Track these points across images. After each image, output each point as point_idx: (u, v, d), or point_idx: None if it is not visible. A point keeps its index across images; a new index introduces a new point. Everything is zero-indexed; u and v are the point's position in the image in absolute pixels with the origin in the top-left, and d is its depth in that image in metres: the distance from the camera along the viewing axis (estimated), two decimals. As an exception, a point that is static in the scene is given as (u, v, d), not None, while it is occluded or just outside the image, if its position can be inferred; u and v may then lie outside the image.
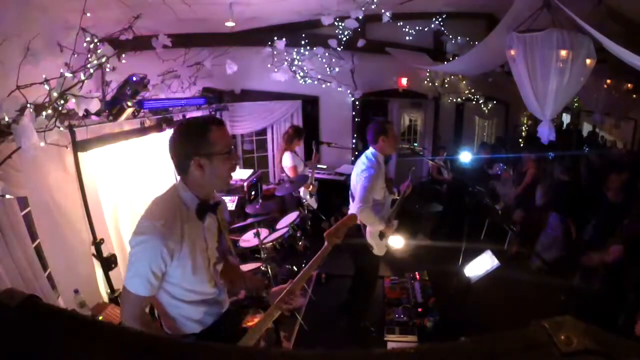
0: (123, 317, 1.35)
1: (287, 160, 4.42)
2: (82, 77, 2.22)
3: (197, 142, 1.33)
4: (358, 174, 2.83)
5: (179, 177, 1.42)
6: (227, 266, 1.65)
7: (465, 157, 5.06)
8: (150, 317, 1.46)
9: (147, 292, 1.29)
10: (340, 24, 4.76)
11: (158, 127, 3.58)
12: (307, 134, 4.80)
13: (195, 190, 1.40)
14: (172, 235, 1.29)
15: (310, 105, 6.10)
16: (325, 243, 1.49)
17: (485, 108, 7.84)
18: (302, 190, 4.36)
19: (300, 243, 4.04)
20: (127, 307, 1.33)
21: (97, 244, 2.68)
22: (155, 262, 1.27)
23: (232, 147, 1.41)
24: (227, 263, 1.66)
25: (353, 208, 2.86)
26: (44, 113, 2.02)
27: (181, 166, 1.37)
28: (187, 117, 4.31)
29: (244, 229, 4.10)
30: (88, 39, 2.48)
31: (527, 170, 5.14)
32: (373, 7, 4.17)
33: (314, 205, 4.54)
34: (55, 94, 2.06)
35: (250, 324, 1.53)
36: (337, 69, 5.61)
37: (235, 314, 1.57)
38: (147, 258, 1.27)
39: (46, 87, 2.03)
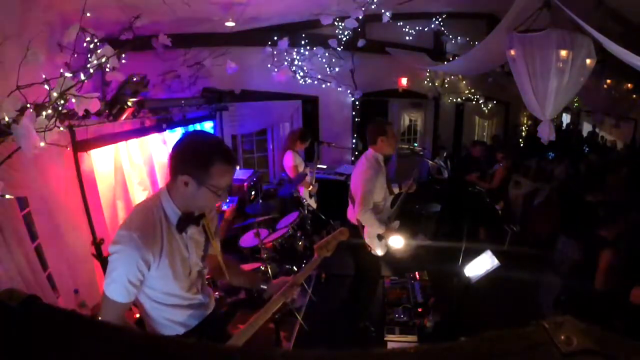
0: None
1: (288, 159, 4.42)
2: (82, 77, 2.22)
3: (197, 165, 1.30)
4: (358, 176, 2.83)
5: (164, 182, 1.42)
6: (227, 262, 1.65)
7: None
8: (128, 321, 1.48)
9: (124, 299, 1.28)
10: (340, 24, 4.77)
11: (158, 127, 3.58)
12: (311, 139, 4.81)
13: (177, 202, 1.37)
14: (149, 246, 1.28)
15: (310, 105, 6.10)
16: (315, 255, 1.56)
17: (485, 108, 7.85)
18: (302, 190, 4.36)
19: (300, 243, 4.04)
20: (106, 312, 1.32)
21: (97, 244, 2.68)
22: (131, 272, 1.27)
23: (227, 189, 1.38)
24: (227, 260, 1.66)
25: (353, 211, 2.86)
26: (44, 113, 2.02)
27: (172, 172, 1.35)
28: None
29: (244, 229, 4.10)
30: (88, 39, 2.48)
31: (495, 171, 5.17)
32: (373, 7, 4.17)
33: (314, 205, 4.54)
34: (55, 94, 2.05)
35: (235, 330, 1.51)
36: (337, 69, 5.62)
37: (221, 317, 1.56)
38: (123, 267, 1.26)
39: (46, 87, 2.03)
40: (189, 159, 1.32)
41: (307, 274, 1.56)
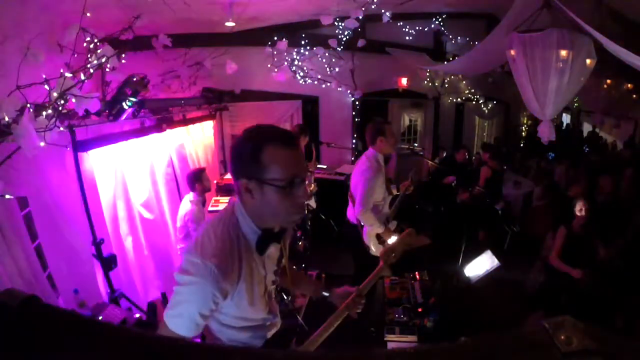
0: None
1: None
2: (82, 77, 2.22)
3: (248, 159, 1.05)
4: (358, 176, 2.84)
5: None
6: (291, 272, 1.56)
7: (461, 156, 5.07)
8: None
9: (191, 333, 1.08)
10: (340, 24, 4.76)
11: (158, 127, 3.58)
12: (310, 133, 4.79)
13: (254, 218, 1.13)
14: (227, 276, 1.07)
15: (310, 105, 6.10)
16: (380, 262, 1.53)
17: (485, 108, 7.84)
18: None
19: (300, 243, 4.04)
20: None
21: (97, 244, 2.68)
22: (204, 306, 1.06)
23: (297, 177, 1.07)
24: (291, 270, 1.57)
25: (352, 211, 2.86)
26: (44, 113, 2.02)
27: (235, 184, 1.11)
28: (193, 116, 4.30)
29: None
30: (88, 39, 2.48)
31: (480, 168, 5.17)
32: (373, 7, 4.16)
33: (314, 205, 4.54)
34: (55, 94, 2.05)
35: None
36: (337, 69, 5.61)
37: (285, 336, 1.47)
38: (195, 301, 1.06)
39: (46, 87, 2.03)
40: (239, 157, 1.08)
41: (372, 284, 1.46)
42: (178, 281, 1.07)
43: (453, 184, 5.25)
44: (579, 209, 3.19)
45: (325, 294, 1.60)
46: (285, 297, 3.30)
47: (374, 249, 2.91)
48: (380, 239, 2.87)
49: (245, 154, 1.06)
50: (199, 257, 1.05)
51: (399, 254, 1.48)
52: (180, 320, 1.07)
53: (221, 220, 1.16)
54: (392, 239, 2.89)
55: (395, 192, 3.10)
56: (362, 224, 2.83)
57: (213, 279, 1.03)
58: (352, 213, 2.97)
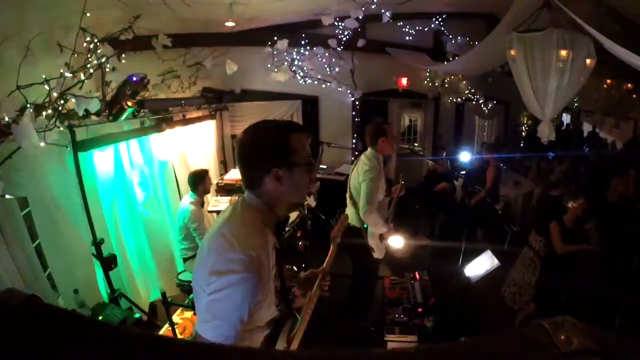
0: None
1: None
2: (82, 77, 2.22)
3: (276, 150, 1.13)
4: (360, 176, 2.83)
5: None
6: None
7: (465, 157, 5.05)
8: None
9: (236, 340, 1.03)
10: (340, 24, 4.76)
11: (158, 127, 3.58)
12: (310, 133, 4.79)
13: (271, 206, 1.19)
14: (265, 264, 1.06)
15: (310, 105, 6.10)
16: (332, 245, 1.68)
17: (485, 108, 7.84)
18: None
19: (300, 243, 4.04)
20: None
21: (97, 244, 2.68)
22: (251, 303, 1.03)
23: (312, 158, 1.21)
24: None
25: (353, 212, 2.86)
26: (44, 113, 2.02)
27: (254, 179, 1.16)
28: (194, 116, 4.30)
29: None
30: (88, 39, 2.48)
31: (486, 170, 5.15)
32: (373, 7, 4.17)
33: (313, 204, 4.54)
34: (55, 94, 2.06)
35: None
36: (337, 69, 5.61)
37: (283, 322, 1.47)
38: (244, 300, 1.02)
39: (46, 87, 2.03)
40: (267, 152, 1.14)
41: (332, 262, 1.60)
42: (217, 287, 1.01)
43: (446, 190, 5.25)
44: (571, 203, 3.19)
45: (293, 284, 1.69)
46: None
47: (376, 250, 2.91)
48: (382, 239, 2.87)
49: (271, 145, 1.14)
50: (240, 252, 1.03)
51: (341, 234, 1.70)
52: (226, 328, 1.02)
53: (244, 214, 1.16)
54: (392, 238, 2.89)
55: (391, 194, 3.11)
56: (366, 224, 2.82)
57: (258, 270, 1.03)
58: (351, 214, 2.97)
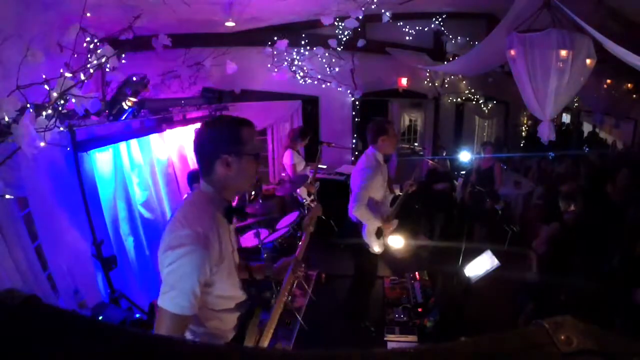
0: None
1: (288, 158, 4.42)
2: (82, 77, 2.22)
3: (228, 139, 1.29)
4: (357, 173, 2.84)
5: (201, 181, 1.37)
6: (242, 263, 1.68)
7: (465, 156, 5.05)
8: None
9: (190, 310, 1.15)
10: (340, 24, 4.77)
11: (158, 127, 3.58)
12: (311, 134, 4.80)
13: (220, 192, 1.34)
14: (214, 241, 1.20)
15: (310, 105, 6.10)
16: (305, 233, 1.78)
17: (485, 108, 7.84)
18: (299, 190, 4.36)
19: (300, 243, 4.04)
20: (167, 329, 1.14)
21: (97, 244, 2.68)
22: (202, 274, 1.16)
23: (261, 152, 1.36)
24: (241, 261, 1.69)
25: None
26: (44, 113, 2.02)
27: (207, 164, 1.32)
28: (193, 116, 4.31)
29: (244, 229, 4.10)
30: (88, 39, 2.49)
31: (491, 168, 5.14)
32: (373, 7, 4.17)
33: (313, 204, 4.54)
34: (55, 94, 2.06)
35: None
36: (337, 69, 5.62)
37: (253, 310, 1.55)
38: (193, 271, 1.14)
39: (46, 87, 2.03)
40: (220, 139, 1.30)
41: (305, 250, 1.68)
42: (170, 260, 1.15)
43: (446, 190, 5.25)
44: (569, 205, 3.20)
45: (268, 273, 1.76)
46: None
47: (374, 246, 2.91)
48: (380, 234, 2.87)
49: (226, 138, 1.30)
50: (186, 228, 1.18)
51: (315, 223, 1.81)
52: (179, 298, 1.13)
53: (194, 198, 1.35)
54: (392, 238, 2.89)
55: (397, 191, 3.10)
56: (359, 219, 2.82)
57: (204, 244, 1.16)
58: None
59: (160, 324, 1.16)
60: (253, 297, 1.55)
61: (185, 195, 1.42)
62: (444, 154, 6.63)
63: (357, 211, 2.72)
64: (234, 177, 1.31)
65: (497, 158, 5.16)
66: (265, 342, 1.41)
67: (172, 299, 1.14)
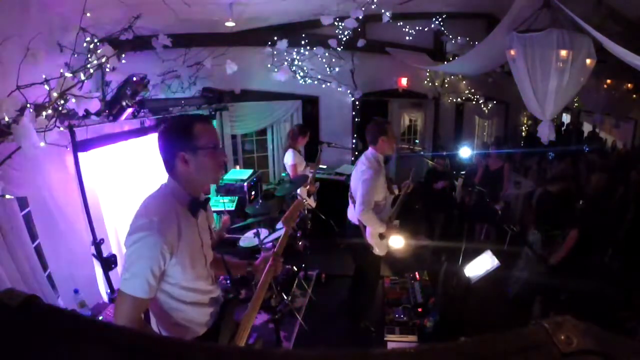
0: (117, 322, 1.27)
1: (289, 157, 4.42)
2: (82, 77, 2.22)
3: (181, 136, 1.34)
4: (358, 176, 2.83)
5: (167, 177, 1.42)
6: (220, 259, 1.70)
7: (465, 152, 5.04)
8: (145, 322, 1.41)
9: (145, 293, 1.23)
10: (340, 24, 4.76)
11: (158, 127, 3.58)
12: (311, 133, 4.80)
13: (184, 187, 1.38)
14: (170, 230, 1.26)
15: (310, 105, 6.10)
16: (285, 227, 1.75)
17: (485, 108, 7.84)
18: (299, 190, 4.36)
19: (300, 243, 4.04)
20: (123, 311, 1.24)
21: (97, 244, 2.68)
22: (155, 259, 1.22)
23: (219, 144, 1.41)
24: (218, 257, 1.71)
25: (354, 210, 2.86)
26: (44, 113, 2.02)
27: (168, 163, 1.37)
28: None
29: (244, 229, 4.10)
30: (88, 39, 2.48)
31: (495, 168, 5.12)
32: (373, 7, 4.17)
33: (313, 204, 4.54)
34: (55, 94, 2.06)
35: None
36: (337, 69, 5.62)
37: (228, 305, 1.58)
38: (146, 256, 1.22)
39: (46, 87, 2.03)
40: (174, 138, 1.36)
41: (284, 245, 1.70)
42: (127, 244, 1.24)
43: (446, 189, 5.24)
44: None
45: (249, 269, 1.78)
46: (285, 297, 3.31)
47: (377, 248, 2.91)
48: (382, 237, 2.87)
49: (179, 136, 1.35)
50: (143, 217, 1.26)
51: (296, 218, 1.80)
52: (134, 281, 1.22)
53: (156, 193, 1.40)
54: (393, 238, 2.89)
55: (396, 192, 3.10)
56: (364, 224, 2.82)
57: (158, 231, 1.22)
58: (352, 213, 2.97)
59: (117, 306, 1.28)
60: (229, 292, 1.56)
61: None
62: (444, 154, 6.62)
63: (363, 215, 2.71)
64: (195, 172, 1.35)
65: (507, 158, 5.13)
66: (241, 341, 1.43)
67: (126, 281, 1.22)
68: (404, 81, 6.49)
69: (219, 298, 1.57)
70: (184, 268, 1.32)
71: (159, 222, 1.24)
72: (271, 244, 3.77)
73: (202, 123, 1.37)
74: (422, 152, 4.46)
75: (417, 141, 7.06)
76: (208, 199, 1.51)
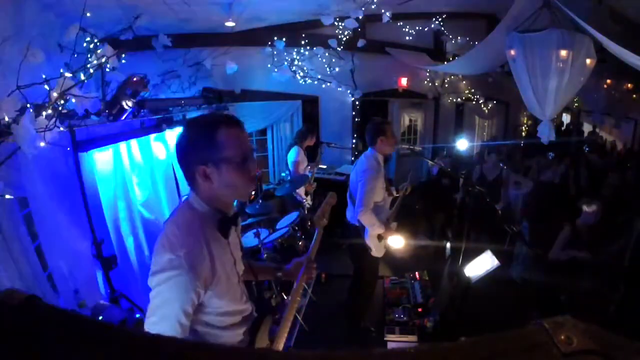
0: None
1: (294, 154, 4.43)
2: (82, 77, 2.22)
3: (201, 144, 1.09)
4: (357, 176, 2.83)
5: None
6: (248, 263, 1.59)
7: (462, 144, 5.04)
8: None
9: (177, 335, 1.06)
10: (340, 24, 4.77)
11: (158, 127, 3.57)
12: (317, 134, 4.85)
13: (211, 203, 1.16)
14: (201, 263, 1.07)
15: (310, 105, 6.10)
16: (316, 227, 1.65)
17: (485, 108, 7.84)
18: (298, 190, 4.36)
19: (300, 243, 4.04)
20: None
21: (97, 244, 2.68)
22: (187, 300, 1.05)
23: (249, 154, 1.15)
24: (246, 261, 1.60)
25: (353, 211, 2.86)
26: (44, 113, 2.02)
27: (187, 175, 1.15)
28: (193, 116, 4.33)
29: (244, 229, 4.10)
30: (88, 39, 2.49)
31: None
32: (373, 7, 4.17)
33: (310, 203, 4.56)
34: (55, 94, 2.06)
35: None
36: (337, 69, 5.62)
37: (261, 322, 1.46)
38: (177, 298, 1.04)
39: (46, 87, 2.03)
40: (191, 147, 1.11)
41: (317, 249, 1.59)
42: (154, 284, 1.06)
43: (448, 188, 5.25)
44: (586, 207, 3.20)
45: (279, 274, 1.65)
46: (286, 297, 3.31)
47: (375, 249, 2.90)
48: (381, 239, 2.87)
49: (198, 139, 1.10)
50: (168, 253, 1.05)
51: (328, 216, 1.64)
52: (164, 324, 1.04)
53: (179, 216, 1.16)
54: (393, 238, 2.89)
55: (395, 193, 3.10)
56: (363, 224, 2.82)
57: (189, 268, 1.03)
58: (351, 214, 2.97)
59: None
60: (257, 303, 1.48)
61: (184, 197, 1.25)
62: (444, 154, 6.62)
63: (362, 216, 2.71)
64: (219, 189, 1.12)
65: (502, 165, 5.14)
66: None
67: (155, 325, 1.05)
68: (404, 81, 6.50)
69: (252, 315, 1.40)
70: (220, 297, 1.15)
71: (188, 257, 1.04)
72: (271, 244, 3.77)
73: (228, 127, 1.10)
74: (422, 153, 4.47)
75: (417, 139, 7.06)
76: (238, 214, 1.29)
